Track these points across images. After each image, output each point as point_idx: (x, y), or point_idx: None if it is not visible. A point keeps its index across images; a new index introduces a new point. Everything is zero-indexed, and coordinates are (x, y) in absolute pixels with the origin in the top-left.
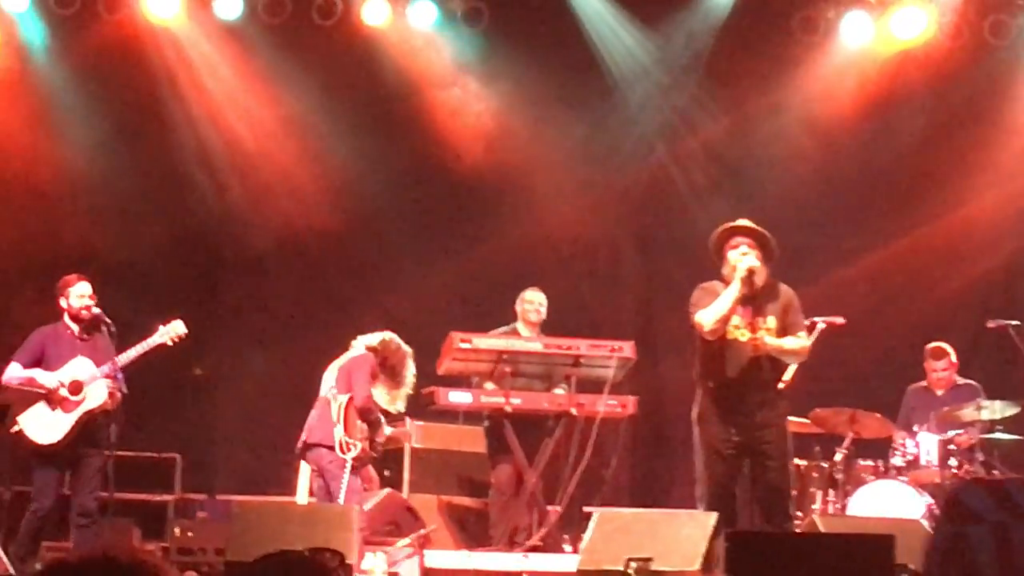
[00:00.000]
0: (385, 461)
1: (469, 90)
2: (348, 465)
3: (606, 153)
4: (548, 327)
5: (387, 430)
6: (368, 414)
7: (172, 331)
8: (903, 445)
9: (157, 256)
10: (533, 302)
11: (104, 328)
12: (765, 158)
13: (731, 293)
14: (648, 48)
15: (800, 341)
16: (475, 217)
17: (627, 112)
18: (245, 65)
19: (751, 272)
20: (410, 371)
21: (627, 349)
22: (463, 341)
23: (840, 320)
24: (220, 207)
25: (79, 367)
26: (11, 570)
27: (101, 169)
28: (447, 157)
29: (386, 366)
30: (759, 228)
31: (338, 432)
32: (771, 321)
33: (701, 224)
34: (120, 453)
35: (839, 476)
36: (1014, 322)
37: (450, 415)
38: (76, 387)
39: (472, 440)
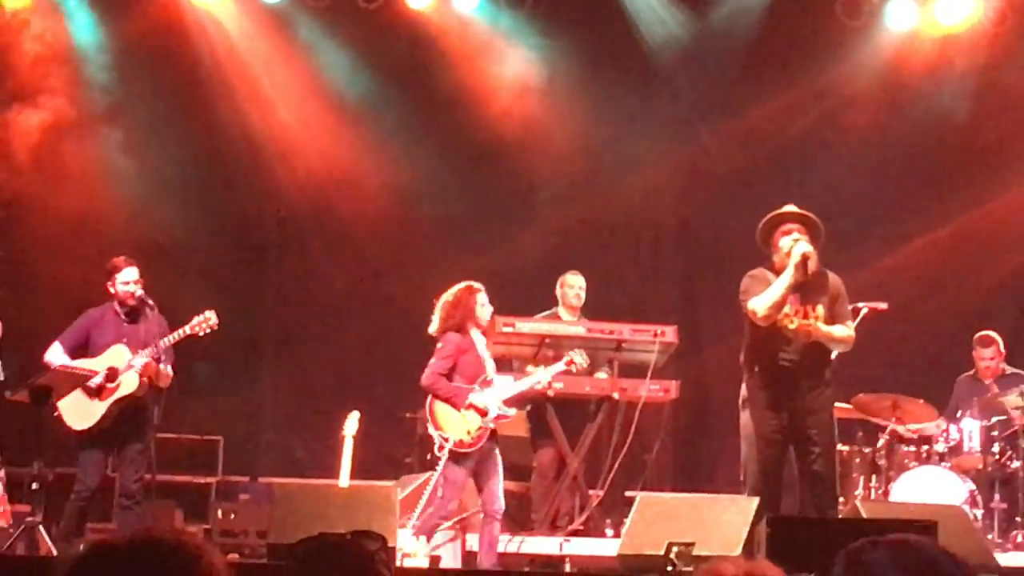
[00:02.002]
0: (427, 444)
1: (512, 73)
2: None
3: (648, 137)
4: (590, 311)
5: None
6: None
7: (204, 323)
8: (946, 432)
9: (203, 240)
10: (573, 286)
11: (149, 311)
12: (809, 143)
13: (785, 280)
14: (692, 32)
15: (847, 330)
16: (516, 201)
17: (670, 96)
18: (289, 48)
19: (805, 258)
20: None
21: (670, 333)
22: (506, 325)
23: (883, 305)
24: (265, 190)
25: (117, 354)
26: (54, 551)
27: (146, 152)
28: (489, 141)
29: None
30: (810, 215)
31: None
32: (820, 309)
33: (744, 208)
34: (163, 435)
35: (881, 462)
36: None
37: None
38: (112, 374)
39: (514, 424)
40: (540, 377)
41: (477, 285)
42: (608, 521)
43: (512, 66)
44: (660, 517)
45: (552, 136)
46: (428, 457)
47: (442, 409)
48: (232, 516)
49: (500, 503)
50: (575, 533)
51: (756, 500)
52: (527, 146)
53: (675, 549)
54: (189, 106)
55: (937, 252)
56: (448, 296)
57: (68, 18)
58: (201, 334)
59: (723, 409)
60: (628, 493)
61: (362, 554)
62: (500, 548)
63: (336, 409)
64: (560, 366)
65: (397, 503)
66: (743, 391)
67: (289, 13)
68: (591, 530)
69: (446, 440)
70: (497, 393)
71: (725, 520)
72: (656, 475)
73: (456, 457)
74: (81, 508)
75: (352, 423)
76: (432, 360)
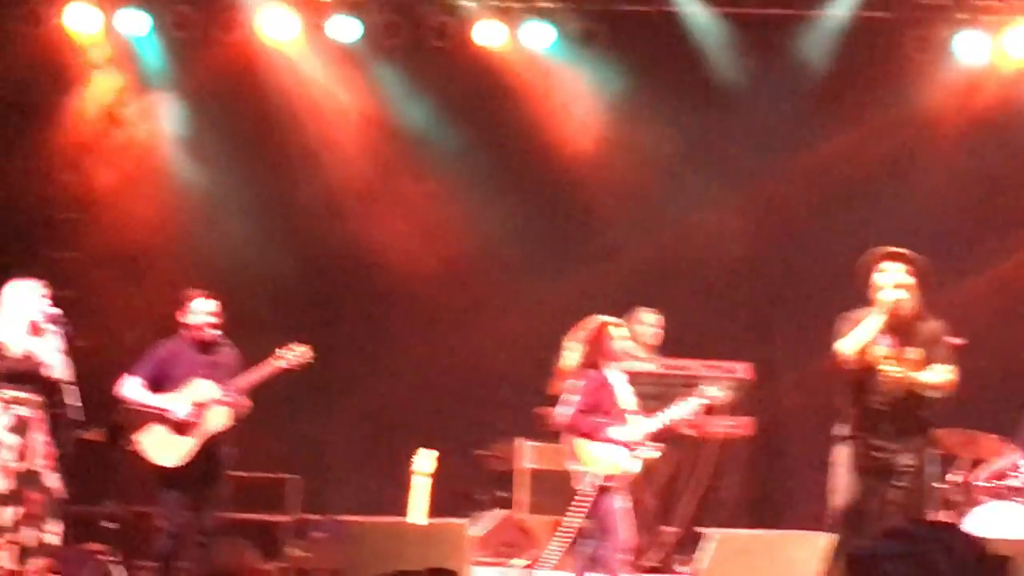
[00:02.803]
0: (499, 482)
1: (583, 111)
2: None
3: (721, 172)
4: (663, 347)
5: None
6: None
7: (297, 356)
8: (1018, 467)
9: (276, 279)
10: (647, 323)
11: (224, 347)
12: (882, 177)
13: (872, 322)
14: (763, 67)
15: (945, 375)
16: (589, 237)
17: (742, 131)
18: (361, 87)
19: (896, 304)
20: None
21: (743, 370)
22: None
23: (959, 341)
24: (338, 229)
25: (201, 388)
26: None
27: (218, 190)
28: (561, 177)
29: None
30: (913, 254)
31: None
32: (917, 352)
33: (816, 244)
34: (238, 473)
35: (955, 497)
36: None
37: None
38: (198, 410)
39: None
40: (680, 412)
41: (613, 320)
42: (682, 558)
43: (584, 104)
44: (737, 554)
45: (623, 173)
46: (501, 494)
47: (585, 445)
48: (306, 554)
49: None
50: (650, 570)
51: (834, 537)
52: (599, 183)
53: None
54: (262, 146)
55: (1011, 285)
56: (582, 332)
57: (141, 56)
58: (289, 366)
59: (797, 446)
60: (700, 530)
61: None
62: None
63: (408, 446)
64: (700, 400)
65: (470, 540)
66: (836, 427)
67: (362, 52)
68: (665, 567)
69: (594, 475)
70: (641, 428)
71: (801, 557)
72: (729, 512)
73: (605, 491)
74: (169, 548)
75: (423, 460)
76: (566, 397)
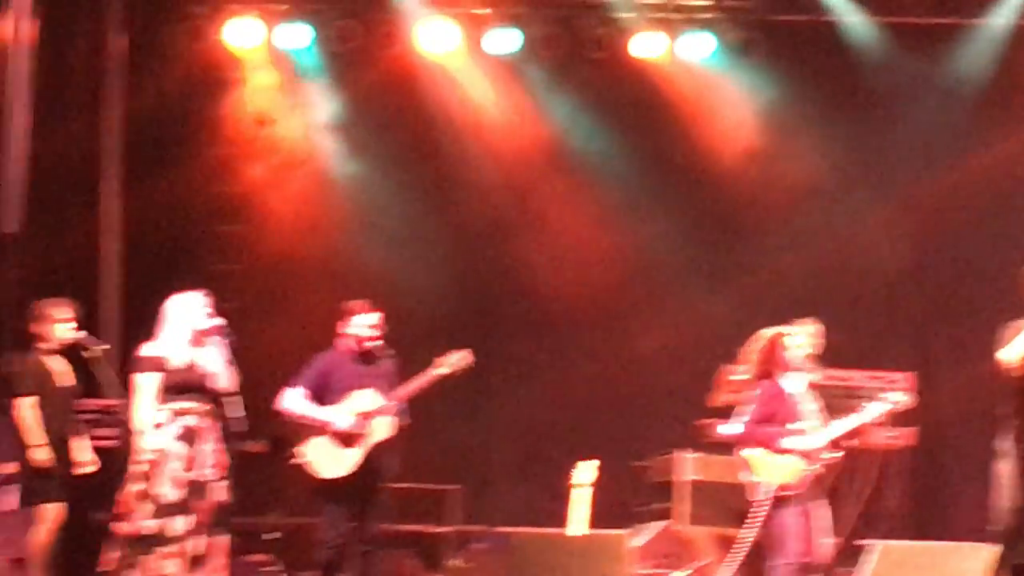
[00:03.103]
0: (659, 493)
1: (741, 120)
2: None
3: (879, 181)
4: (822, 357)
5: None
6: None
7: (458, 362)
8: None
9: (434, 290)
10: (808, 332)
11: (386, 358)
12: None
13: None
14: (925, 73)
15: None
16: (747, 247)
17: (902, 140)
18: (519, 99)
19: None
20: None
21: (905, 380)
22: (735, 373)
23: None
24: (496, 240)
25: (364, 399)
26: None
27: (378, 202)
28: (719, 187)
29: None
30: None
31: None
32: None
33: (979, 251)
34: (399, 485)
35: None
36: None
37: (725, 446)
38: (363, 421)
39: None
40: (866, 416)
41: (786, 330)
42: (842, 570)
43: (742, 115)
44: (899, 566)
45: (782, 181)
46: (661, 505)
47: (760, 456)
48: (468, 565)
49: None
50: None
51: (998, 549)
52: (756, 193)
53: None
54: (421, 158)
55: None
56: (757, 343)
57: (301, 68)
58: (451, 372)
59: (960, 456)
60: (866, 542)
61: None
62: None
63: (568, 457)
64: (884, 407)
65: (631, 552)
66: (998, 439)
67: (520, 64)
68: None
69: (768, 486)
70: (819, 437)
71: (964, 568)
72: (892, 523)
73: (780, 502)
74: (332, 560)
75: (584, 472)
76: (739, 409)
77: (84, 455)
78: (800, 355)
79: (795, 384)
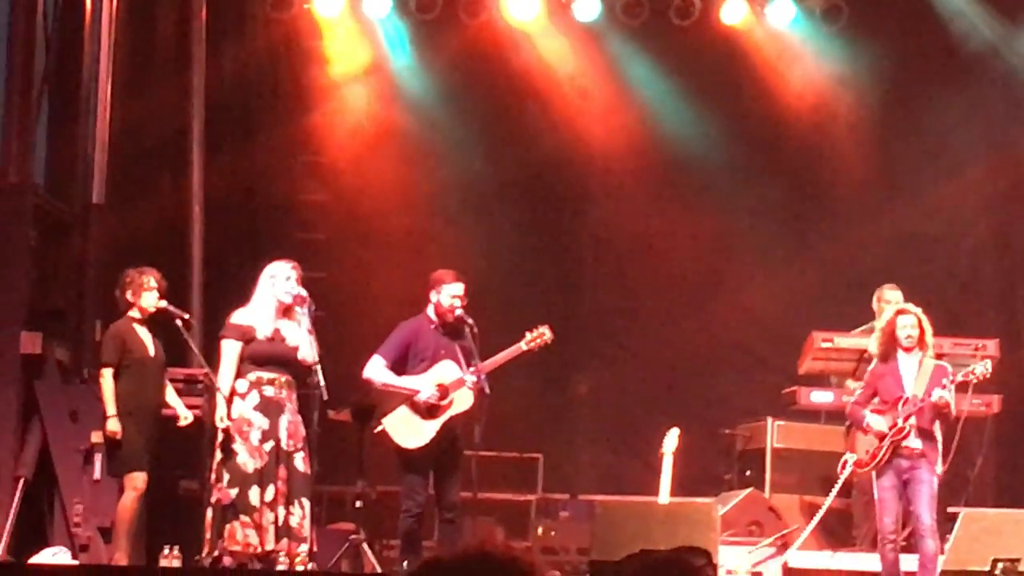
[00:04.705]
0: (746, 461)
1: (824, 87)
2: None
3: (964, 147)
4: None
5: None
6: None
7: (539, 338)
8: None
9: (518, 259)
10: (891, 300)
11: (467, 329)
12: None
13: None
14: (1008, 38)
15: None
16: (833, 214)
17: (986, 104)
18: (604, 66)
19: None
20: None
21: (991, 347)
22: (825, 340)
23: None
24: (583, 208)
25: (445, 370)
26: (378, 568)
27: (462, 171)
28: (806, 152)
29: None
30: None
31: None
32: None
33: None
34: (483, 453)
35: None
36: None
37: (812, 415)
38: (443, 392)
39: (834, 440)
40: (942, 391)
41: (904, 307)
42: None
43: (827, 80)
44: (985, 533)
45: (865, 148)
46: (748, 473)
47: (853, 432)
48: (553, 533)
49: (919, 522)
50: (899, 550)
51: None
52: (842, 159)
53: (1000, 565)
54: (505, 127)
55: None
56: (881, 322)
57: (384, 37)
58: (534, 348)
59: None
60: (951, 509)
61: (688, 570)
62: (818, 565)
63: (654, 425)
64: (962, 377)
65: (718, 520)
66: None
67: (604, 31)
68: (913, 546)
69: (850, 460)
70: (900, 413)
71: None
72: (978, 491)
73: (858, 477)
74: (412, 528)
75: (672, 439)
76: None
77: (181, 410)
78: (913, 335)
79: (912, 361)
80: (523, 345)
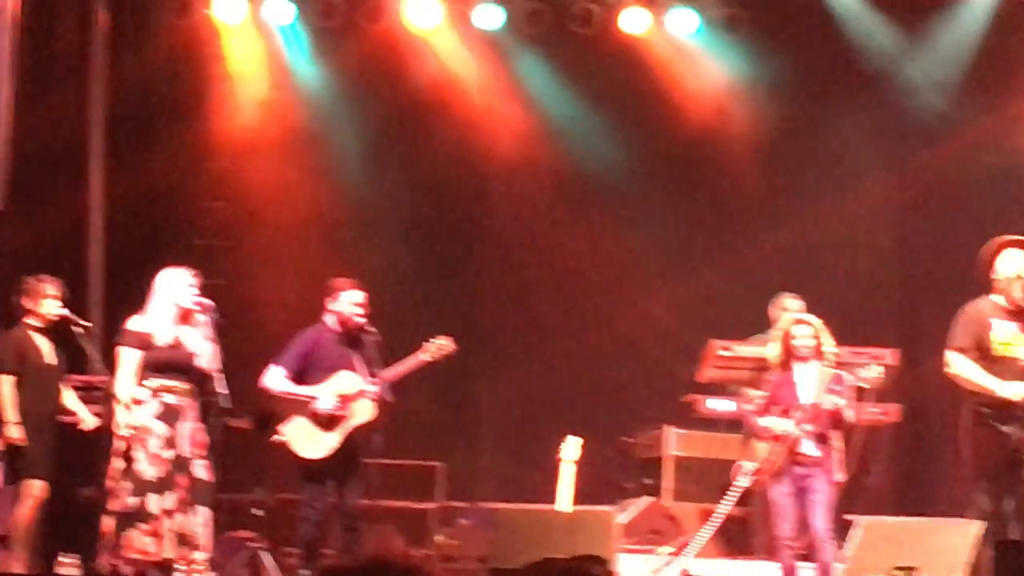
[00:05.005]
0: (646, 469)
1: (725, 97)
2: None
3: (866, 156)
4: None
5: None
6: None
7: (440, 348)
8: None
9: (418, 266)
10: (790, 309)
11: (369, 338)
12: None
13: (990, 386)
14: (909, 51)
15: None
16: (734, 221)
17: (887, 114)
18: (505, 75)
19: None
20: None
21: (889, 356)
22: (723, 349)
23: None
24: (483, 216)
25: (346, 381)
26: None
27: (362, 179)
28: (707, 161)
29: None
30: None
31: None
32: None
33: (963, 228)
34: (384, 461)
35: None
36: None
37: (711, 423)
38: (344, 403)
39: (733, 448)
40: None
41: (801, 317)
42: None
43: (727, 89)
44: (883, 541)
45: (767, 157)
46: (647, 481)
47: (751, 439)
48: (453, 541)
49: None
50: (797, 558)
51: (981, 524)
52: (742, 168)
53: (899, 574)
54: (406, 134)
55: None
56: (779, 331)
57: (286, 45)
58: (434, 359)
59: (944, 432)
60: (848, 517)
61: None
62: (716, 573)
63: (554, 434)
64: (856, 384)
65: (617, 528)
66: (966, 417)
67: (505, 39)
68: (813, 555)
69: (746, 467)
70: (794, 419)
71: (949, 544)
72: (877, 499)
73: (757, 485)
74: (312, 536)
75: (572, 448)
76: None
77: (84, 414)
78: (809, 345)
79: (806, 371)
80: (424, 356)
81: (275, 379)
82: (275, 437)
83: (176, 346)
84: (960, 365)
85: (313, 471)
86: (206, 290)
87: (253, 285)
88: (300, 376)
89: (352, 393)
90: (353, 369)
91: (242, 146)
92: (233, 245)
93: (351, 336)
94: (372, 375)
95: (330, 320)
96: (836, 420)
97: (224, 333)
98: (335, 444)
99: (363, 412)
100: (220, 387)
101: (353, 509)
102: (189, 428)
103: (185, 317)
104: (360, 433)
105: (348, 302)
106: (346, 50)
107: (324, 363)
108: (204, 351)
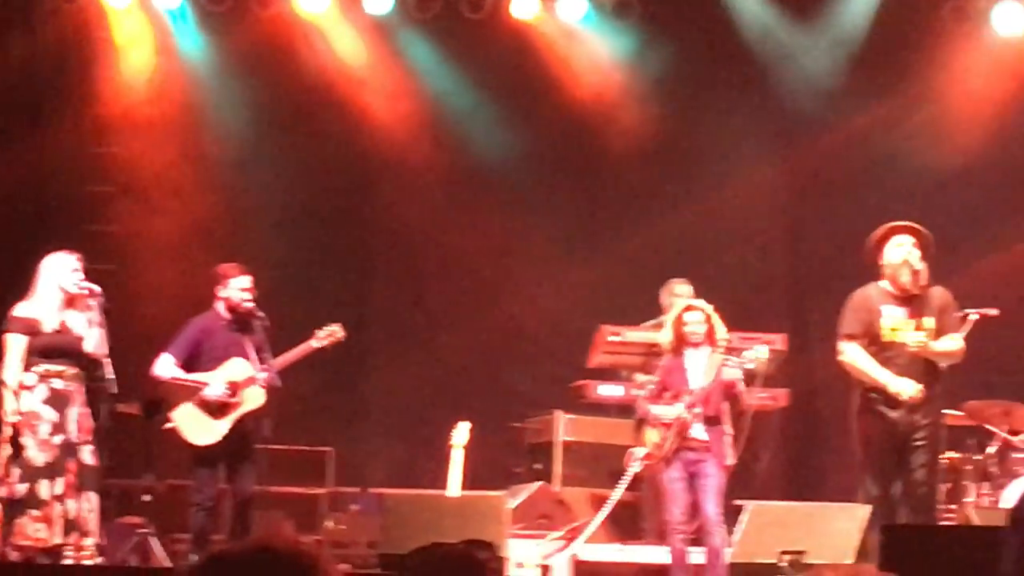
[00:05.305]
0: (535, 454)
1: (616, 84)
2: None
3: (756, 144)
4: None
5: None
6: None
7: (330, 336)
8: None
9: (307, 253)
10: (681, 295)
11: (258, 323)
12: (915, 148)
13: (880, 378)
14: (798, 39)
15: (957, 343)
16: (623, 208)
17: (777, 102)
18: (394, 60)
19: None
20: None
21: (779, 342)
22: (613, 334)
23: (994, 312)
24: (371, 201)
25: (236, 368)
26: (166, 563)
27: (251, 165)
28: (596, 148)
29: None
30: (921, 228)
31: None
32: (930, 322)
33: (851, 215)
34: (273, 447)
35: (993, 469)
36: None
37: (601, 408)
38: (234, 390)
39: (624, 433)
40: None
41: (691, 303)
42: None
43: (617, 77)
44: (771, 526)
45: (657, 145)
46: (537, 466)
47: (647, 427)
48: (342, 527)
49: (705, 516)
50: (686, 542)
51: (868, 508)
52: (632, 156)
53: (787, 558)
54: (295, 119)
55: None
56: (671, 317)
57: (174, 30)
58: (322, 347)
59: (833, 417)
60: (737, 502)
61: (474, 563)
62: (607, 558)
63: (445, 419)
64: (744, 366)
65: (507, 513)
66: (855, 402)
67: (395, 25)
68: (701, 539)
69: (637, 453)
70: (681, 404)
71: (837, 528)
72: (765, 484)
73: (647, 470)
74: (203, 522)
75: (462, 433)
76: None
77: None
78: (700, 331)
79: (699, 356)
80: (314, 343)
81: (165, 366)
82: (166, 424)
83: (63, 331)
84: (853, 355)
85: (204, 456)
86: (94, 275)
87: (143, 271)
88: (192, 363)
89: (242, 380)
90: (245, 356)
91: (129, 131)
92: (122, 230)
93: (241, 322)
94: (262, 361)
95: (220, 307)
96: (730, 393)
97: (112, 318)
98: (225, 431)
99: (253, 399)
100: (108, 372)
101: (244, 495)
102: (77, 413)
103: (71, 302)
104: (250, 419)
105: (236, 287)
106: (235, 34)
107: (215, 351)
108: (91, 336)
